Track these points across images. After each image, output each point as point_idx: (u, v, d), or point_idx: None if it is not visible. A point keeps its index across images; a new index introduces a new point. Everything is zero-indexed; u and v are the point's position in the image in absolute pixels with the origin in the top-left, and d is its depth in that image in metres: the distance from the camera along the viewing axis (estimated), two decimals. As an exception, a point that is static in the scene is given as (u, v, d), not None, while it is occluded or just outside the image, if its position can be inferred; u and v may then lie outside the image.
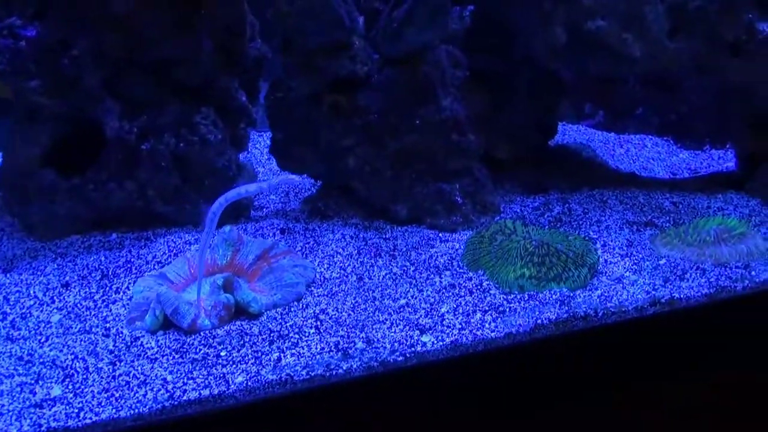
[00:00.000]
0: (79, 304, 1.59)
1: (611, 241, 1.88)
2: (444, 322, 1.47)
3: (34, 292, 1.64)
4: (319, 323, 1.48)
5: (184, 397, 1.24)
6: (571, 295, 1.58)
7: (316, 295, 1.62)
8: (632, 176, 2.50)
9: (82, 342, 1.43)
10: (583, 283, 1.63)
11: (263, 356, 1.36)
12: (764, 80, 2.07)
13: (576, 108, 3.15)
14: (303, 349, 1.39)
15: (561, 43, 2.07)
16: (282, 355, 1.37)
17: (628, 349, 1.49)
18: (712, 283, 1.61)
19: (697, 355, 1.49)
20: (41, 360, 1.37)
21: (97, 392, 1.26)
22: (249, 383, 1.28)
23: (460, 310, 1.52)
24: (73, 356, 1.38)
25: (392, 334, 1.43)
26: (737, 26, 2.04)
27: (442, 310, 1.53)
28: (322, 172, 2.10)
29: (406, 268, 1.73)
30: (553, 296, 1.58)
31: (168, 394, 1.25)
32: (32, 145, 1.88)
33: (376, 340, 1.41)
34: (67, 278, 1.71)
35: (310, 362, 1.33)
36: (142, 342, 1.43)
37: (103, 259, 1.80)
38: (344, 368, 1.32)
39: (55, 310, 1.57)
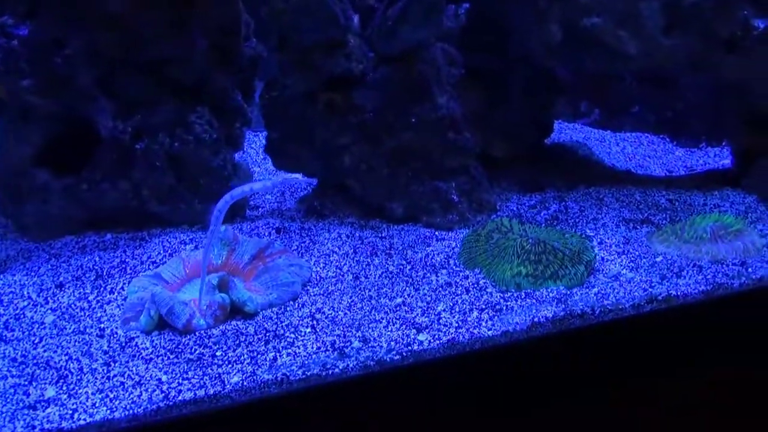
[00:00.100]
0: (73, 305, 1.58)
1: (608, 238, 1.87)
2: (440, 321, 1.47)
3: (28, 293, 1.63)
4: (315, 322, 1.48)
5: (179, 398, 1.24)
6: (568, 293, 1.58)
7: (312, 294, 1.61)
8: (628, 174, 2.50)
9: (77, 343, 1.42)
10: (580, 280, 1.63)
11: (259, 356, 1.36)
12: (760, 77, 2.07)
13: (572, 106, 3.16)
14: (299, 348, 1.38)
15: (556, 41, 2.07)
16: (278, 354, 1.36)
17: (625, 347, 1.48)
18: (709, 280, 1.61)
19: (694, 352, 1.49)
20: (35, 361, 1.36)
21: (92, 393, 1.25)
22: (245, 383, 1.27)
23: (457, 309, 1.52)
24: (67, 357, 1.37)
25: (389, 333, 1.43)
26: (732, 23, 2.04)
27: (439, 308, 1.52)
28: (317, 170, 2.09)
29: (402, 267, 1.73)
30: (550, 294, 1.57)
31: (163, 394, 1.24)
32: (25, 145, 1.86)
33: (372, 339, 1.40)
34: (61, 279, 1.69)
35: (306, 362, 1.33)
36: (136, 342, 1.42)
37: (97, 259, 1.79)
38: (340, 367, 1.31)
39: (49, 311, 1.56)
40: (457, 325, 1.45)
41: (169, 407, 1.22)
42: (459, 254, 1.78)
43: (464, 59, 2.10)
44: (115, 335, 1.45)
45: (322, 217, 2.05)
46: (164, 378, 1.29)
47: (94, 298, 1.61)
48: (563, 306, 1.51)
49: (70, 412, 1.21)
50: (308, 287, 1.64)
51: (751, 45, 2.05)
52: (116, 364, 1.34)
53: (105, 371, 1.32)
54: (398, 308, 1.53)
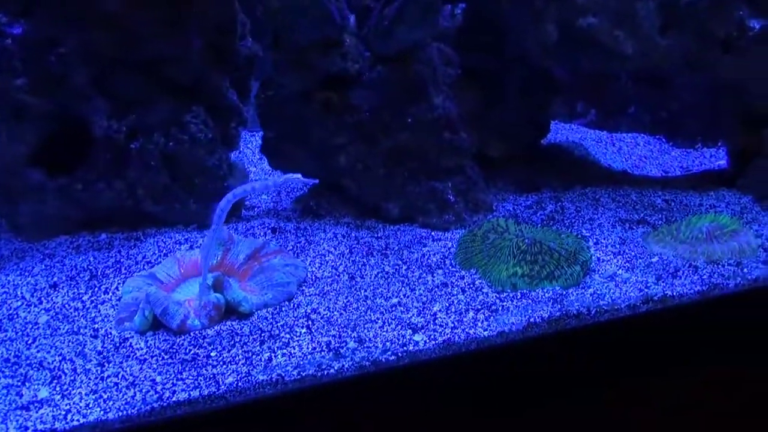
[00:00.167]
0: (67, 305, 1.57)
1: (604, 239, 1.87)
2: (436, 321, 1.46)
3: (22, 293, 1.62)
4: (310, 323, 1.47)
5: (174, 398, 1.23)
6: (564, 293, 1.58)
7: (307, 294, 1.60)
8: (625, 174, 2.50)
9: (70, 343, 1.41)
10: (576, 281, 1.63)
11: (254, 356, 1.35)
12: (755, 77, 2.07)
13: (569, 107, 3.16)
14: (294, 349, 1.38)
15: (552, 41, 2.07)
16: (273, 355, 1.36)
17: (621, 347, 1.48)
18: (705, 281, 1.61)
19: (690, 352, 1.49)
20: (28, 362, 1.35)
21: (85, 394, 1.25)
22: (239, 384, 1.27)
23: (453, 309, 1.51)
24: (60, 358, 1.36)
25: (384, 333, 1.42)
26: (728, 23, 2.05)
27: (435, 309, 1.52)
28: (313, 170, 2.08)
29: (398, 267, 1.72)
30: (546, 294, 1.57)
31: (157, 395, 1.24)
32: (19, 144, 1.85)
33: (367, 339, 1.40)
34: (55, 279, 1.69)
35: (302, 362, 1.32)
36: (131, 343, 1.41)
37: (92, 259, 1.78)
38: (336, 368, 1.31)
39: (42, 311, 1.55)
40: (452, 325, 1.45)
41: (163, 408, 1.21)
42: (455, 254, 1.77)
43: (461, 59, 2.10)
44: (109, 335, 1.45)
45: (318, 217, 2.04)
46: (158, 378, 1.28)
47: (88, 299, 1.60)
48: (559, 306, 1.51)
49: (63, 412, 1.20)
50: (304, 287, 1.63)
51: (747, 45, 2.06)
52: (110, 365, 1.34)
53: (99, 372, 1.31)
54: (394, 308, 1.52)
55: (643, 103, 2.86)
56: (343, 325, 1.46)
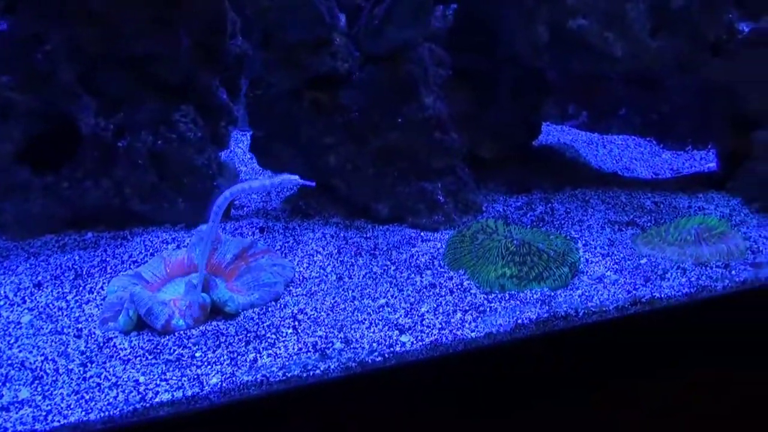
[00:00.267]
0: (51, 305, 1.55)
1: (593, 240, 1.87)
2: (424, 322, 1.46)
3: (5, 292, 1.60)
4: (296, 323, 1.46)
5: (157, 399, 1.21)
6: (552, 294, 1.57)
7: (294, 294, 1.59)
8: (615, 176, 2.50)
9: (53, 343, 1.40)
10: (564, 282, 1.63)
11: (239, 357, 1.34)
12: (744, 80, 2.08)
13: (560, 108, 3.16)
14: (280, 349, 1.36)
15: (543, 42, 2.07)
16: (258, 355, 1.34)
17: (608, 349, 1.48)
18: (693, 283, 1.61)
19: (677, 354, 1.49)
20: (9, 362, 1.33)
21: (67, 394, 1.23)
22: (224, 384, 1.25)
23: (441, 310, 1.50)
24: (43, 358, 1.34)
25: (371, 334, 1.41)
26: (718, 26, 2.05)
27: (422, 309, 1.51)
28: (302, 170, 2.07)
29: (386, 268, 1.72)
30: (534, 296, 1.56)
31: (140, 396, 1.22)
32: (5, 142, 1.83)
33: (354, 340, 1.39)
34: (40, 278, 1.67)
35: (287, 363, 1.31)
36: (114, 343, 1.40)
37: (77, 258, 1.76)
38: (322, 369, 1.30)
39: (26, 311, 1.53)
40: (440, 326, 1.44)
41: (146, 409, 1.20)
42: (444, 255, 1.77)
43: (452, 60, 2.09)
44: (92, 335, 1.43)
45: (307, 217, 2.03)
46: (142, 379, 1.27)
47: (72, 298, 1.58)
48: (547, 308, 1.50)
49: (44, 413, 1.18)
50: (291, 287, 1.62)
51: (736, 48, 2.06)
52: (93, 365, 1.32)
53: (81, 372, 1.30)
54: (381, 309, 1.51)
55: (633, 106, 2.86)
56: (329, 326, 1.44)
